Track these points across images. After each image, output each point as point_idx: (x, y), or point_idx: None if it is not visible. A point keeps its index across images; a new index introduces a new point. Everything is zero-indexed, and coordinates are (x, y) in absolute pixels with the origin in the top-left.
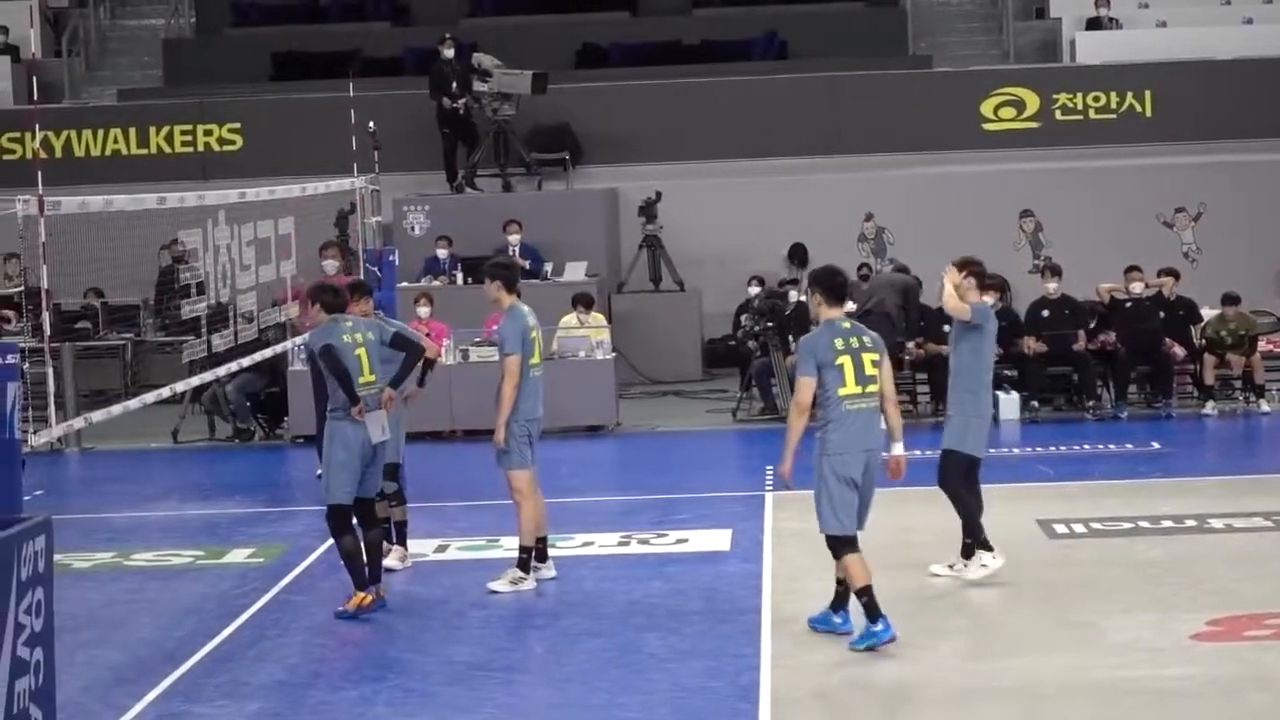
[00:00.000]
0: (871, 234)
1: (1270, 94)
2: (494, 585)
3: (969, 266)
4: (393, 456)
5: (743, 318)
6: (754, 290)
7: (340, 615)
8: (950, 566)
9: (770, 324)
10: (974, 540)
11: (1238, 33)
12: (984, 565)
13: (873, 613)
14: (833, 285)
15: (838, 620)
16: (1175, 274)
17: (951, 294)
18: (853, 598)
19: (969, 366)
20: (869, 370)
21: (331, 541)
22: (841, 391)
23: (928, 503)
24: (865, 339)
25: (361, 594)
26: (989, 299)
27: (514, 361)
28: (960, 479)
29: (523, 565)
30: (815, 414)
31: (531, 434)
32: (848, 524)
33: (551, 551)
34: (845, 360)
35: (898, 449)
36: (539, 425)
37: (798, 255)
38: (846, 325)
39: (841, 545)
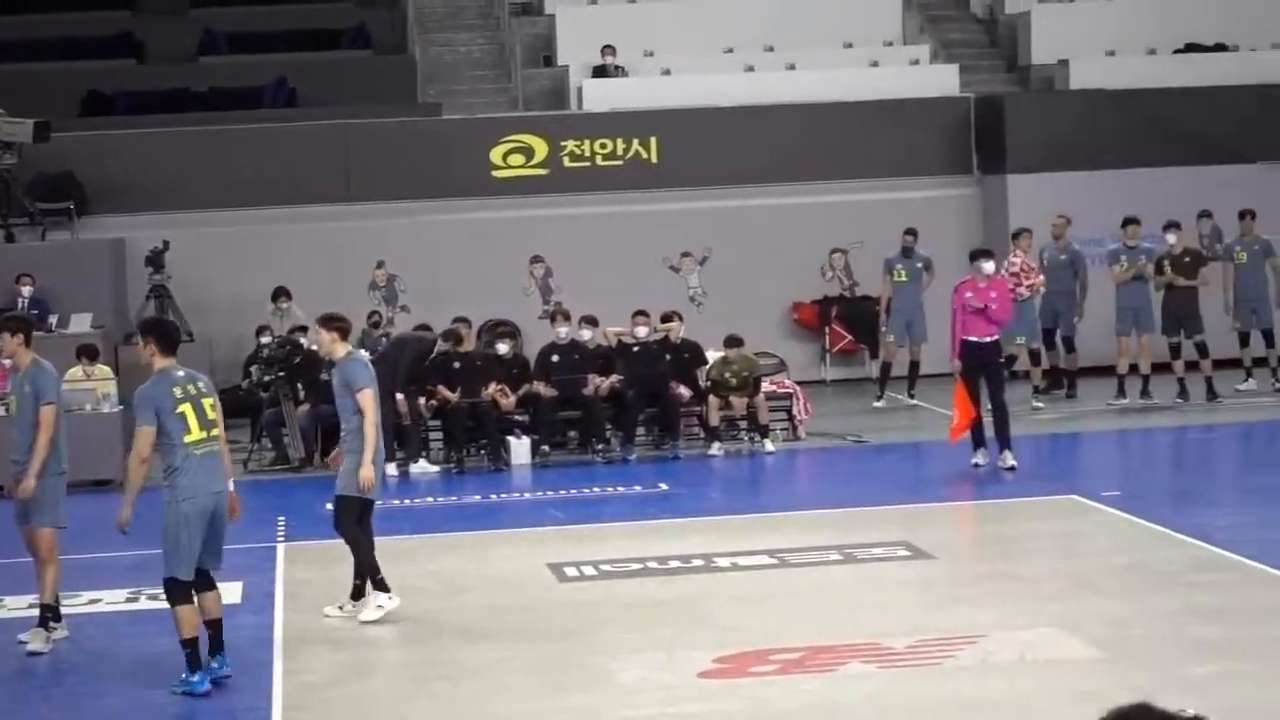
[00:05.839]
0: (383, 281)
1: (772, 140)
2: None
3: (331, 322)
4: None
5: (252, 368)
6: (264, 340)
7: None
8: (340, 608)
9: (281, 373)
10: (371, 581)
11: (740, 80)
12: (380, 606)
13: (194, 664)
14: (166, 335)
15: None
16: (680, 317)
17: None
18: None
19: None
20: (210, 415)
21: None
22: (187, 439)
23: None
24: (201, 384)
25: None
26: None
27: (49, 412)
28: (354, 523)
29: (45, 623)
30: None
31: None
32: (187, 571)
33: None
34: (186, 408)
35: (230, 485)
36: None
37: (282, 294)
38: (181, 373)
39: (179, 593)
